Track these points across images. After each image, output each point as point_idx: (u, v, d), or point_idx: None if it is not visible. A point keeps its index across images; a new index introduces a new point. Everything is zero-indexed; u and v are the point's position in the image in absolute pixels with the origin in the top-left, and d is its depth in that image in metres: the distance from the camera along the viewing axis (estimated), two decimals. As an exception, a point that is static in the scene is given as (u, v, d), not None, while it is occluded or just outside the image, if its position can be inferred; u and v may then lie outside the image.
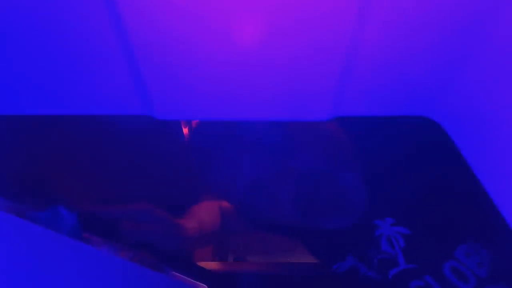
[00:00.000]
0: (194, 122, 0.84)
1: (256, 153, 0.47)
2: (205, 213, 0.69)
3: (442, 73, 0.24)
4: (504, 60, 0.21)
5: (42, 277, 0.26)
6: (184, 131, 0.68)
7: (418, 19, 0.20)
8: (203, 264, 0.79)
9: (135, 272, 0.38)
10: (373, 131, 0.50)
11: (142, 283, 0.40)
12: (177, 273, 0.52)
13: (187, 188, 0.76)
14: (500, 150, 0.22)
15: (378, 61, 0.23)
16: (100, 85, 0.25)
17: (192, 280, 0.54)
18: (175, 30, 0.21)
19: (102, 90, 0.25)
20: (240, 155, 0.47)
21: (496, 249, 0.44)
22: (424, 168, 0.47)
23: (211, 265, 0.81)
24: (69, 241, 0.31)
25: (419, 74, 0.24)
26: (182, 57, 0.22)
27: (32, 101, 0.26)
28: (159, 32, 0.21)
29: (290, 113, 0.27)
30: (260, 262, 1.02)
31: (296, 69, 0.23)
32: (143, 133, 0.54)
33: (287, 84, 0.24)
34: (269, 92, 0.25)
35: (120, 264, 0.37)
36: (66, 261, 0.29)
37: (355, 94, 0.25)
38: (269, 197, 0.49)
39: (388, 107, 0.26)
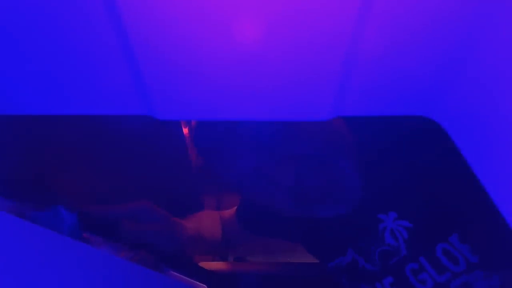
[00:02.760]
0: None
1: (256, 141, 0.47)
2: (205, 220, 0.69)
3: (442, 73, 0.24)
4: (504, 60, 0.21)
5: (42, 277, 0.26)
6: (184, 131, 0.68)
7: (418, 19, 0.20)
8: (203, 264, 0.79)
9: (135, 272, 0.39)
10: (373, 131, 0.50)
11: (142, 283, 0.40)
12: (176, 273, 0.52)
13: (187, 188, 0.76)
14: (500, 150, 0.22)
15: (378, 61, 0.23)
16: (100, 85, 0.25)
17: (192, 280, 0.54)
18: (175, 30, 0.21)
19: (102, 90, 0.25)
20: (241, 144, 0.48)
21: (491, 241, 0.45)
22: (424, 167, 0.48)
23: (211, 265, 0.81)
24: (69, 241, 0.31)
25: (419, 74, 0.24)
26: (182, 57, 0.22)
27: (32, 101, 0.26)
28: (159, 32, 0.21)
29: (290, 113, 0.27)
30: (260, 262, 1.02)
31: (297, 69, 0.23)
32: (143, 133, 0.54)
33: (287, 84, 0.24)
34: (269, 92, 0.25)
35: (120, 264, 0.37)
36: (66, 261, 0.29)
37: (355, 94, 0.25)
38: (267, 184, 0.49)
39: (388, 107, 0.26)
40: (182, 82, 0.24)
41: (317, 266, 0.79)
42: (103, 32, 0.21)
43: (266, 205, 0.54)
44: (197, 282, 0.55)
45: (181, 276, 0.52)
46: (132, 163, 0.60)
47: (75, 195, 0.50)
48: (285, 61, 0.23)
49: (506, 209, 0.23)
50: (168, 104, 0.26)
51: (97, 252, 0.34)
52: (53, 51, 0.22)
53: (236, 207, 0.73)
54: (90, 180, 0.55)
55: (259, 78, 0.24)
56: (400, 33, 0.21)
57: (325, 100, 0.25)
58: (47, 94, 0.26)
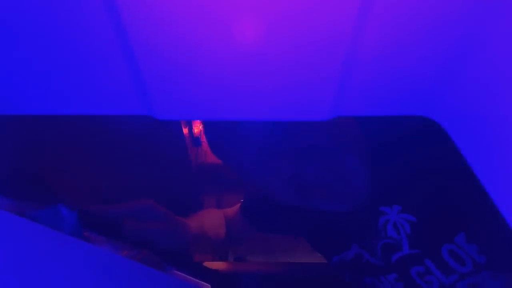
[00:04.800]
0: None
1: (263, 134, 0.47)
2: (209, 218, 0.69)
3: (442, 73, 0.24)
4: (504, 59, 0.21)
5: (43, 276, 0.26)
6: (184, 131, 0.69)
7: (418, 19, 0.20)
8: (204, 264, 0.79)
9: (138, 271, 0.39)
10: (373, 131, 0.50)
11: (145, 282, 0.40)
12: (180, 272, 0.52)
13: (187, 188, 0.77)
14: (500, 150, 0.22)
15: (378, 61, 0.23)
16: (100, 85, 0.25)
17: (196, 280, 0.54)
18: (175, 30, 0.21)
19: (102, 90, 0.25)
20: (247, 137, 0.48)
21: (496, 240, 0.45)
22: (425, 167, 0.48)
23: (211, 265, 0.81)
24: (70, 240, 0.31)
25: (419, 74, 0.24)
26: (182, 57, 0.22)
27: (32, 101, 0.26)
28: (159, 32, 0.21)
29: (291, 113, 0.27)
30: (260, 262, 1.02)
31: (297, 69, 0.23)
32: (143, 133, 0.54)
33: (287, 84, 0.24)
34: (269, 92, 0.25)
35: (122, 263, 0.37)
36: (67, 260, 0.29)
37: (355, 94, 0.25)
38: (272, 175, 0.49)
39: (388, 107, 0.26)
40: (182, 82, 0.24)
41: (317, 266, 0.79)
42: (103, 32, 0.21)
43: (269, 196, 0.54)
44: (201, 282, 0.55)
45: (185, 275, 0.52)
46: (132, 163, 0.60)
47: (75, 195, 0.50)
48: (285, 61, 0.23)
49: (506, 209, 0.23)
50: (168, 104, 0.26)
51: (99, 251, 0.34)
52: (53, 51, 0.22)
53: (239, 204, 0.73)
54: (90, 180, 0.55)
55: (259, 78, 0.24)
56: (400, 33, 0.21)
57: (325, 100, 0.25)
58: (47, 94, 0.26)
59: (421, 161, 0.48)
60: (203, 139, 0.90)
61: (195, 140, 0.91)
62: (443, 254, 0.47)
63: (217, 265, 0.82)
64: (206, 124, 0.55)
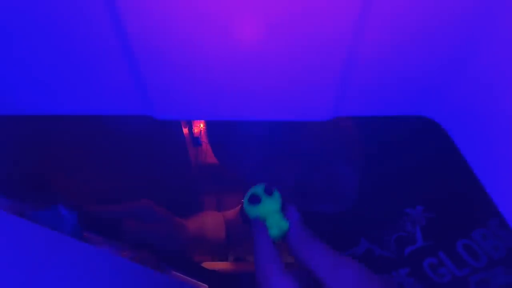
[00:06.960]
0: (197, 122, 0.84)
1: (262, 137, 0.48)
2: (209, 220, 0.69)
3: (442, 73, 0.24)
4: (504, 59, 0.21)
5: (43, 277, 0.26)
6: (184, 131, 0.69)
7: (418, 19, 0.20)
8: (203, 264, 0.79)
9: (136, 272, 0.39)
10: (372, 131, 0.50)
11: (143, 283, 0.40)
12: (178, 273, 0.52)
13: (187, 189, 0.77)
14: (500, 150, 0.22)
15: (378, 61, 0.23)
16: (100, 85, 0.25)
17: (194, 280, 0.54)
18: (175, 30, 0.21)
19: (102, 90, 0.25)
20: (248, 140, 0.49)
21: None
22: (426, 167, 0.48)
23: (211, 265, 0.81)
24: (70, 241, 0.31)
25: (420, 74, 0.24)
26: (182, 57, 0.22)
27: (32, 101, 0.26)
28: (159, 32, 0.21)
29: (290, 113, 0.27)
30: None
31: (297, 69, 0.23)
32: (143, 133, 0.54)
33: (288, 84, 0.24)
34: (269, 92, 0.25)
35: (121, 263, 0.37)
36: (67, 261, 0.29)
37: (355, 94, 0.25)
38: (270, 178, 0.49)
39: (388, 107, 0.26)
40: (182, 82, 0.24)
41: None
42: (103, 32, 0.21)
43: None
44: (199, 282, 0.55)
45: (183, 276, 0.52)
46: (132, 163, 0.60)
47: (75, 195, 0.50)
48: (285, 61, 0.23)
49: (506, 209, 0.23)
50: (168, 104, 0.26)
51: (98, 252, 0.34)
52: (53, 51, 0.22)
53: (240, 206, 0.73)
54: (90, 180, 0.55)
55: (259, 78, 0.24)
56: (400, 33, 0.21)
57: (325, 100, 0.25)
58: (47, 94, 0.26)
59: (421, 161, 0.48)
60: (203, 139, 0.90)
61: (195, 140, 0.91)
62: (458, 247, 0.47)
63: (216, 265, 0.82)
64: (208, 128, 0.56)
